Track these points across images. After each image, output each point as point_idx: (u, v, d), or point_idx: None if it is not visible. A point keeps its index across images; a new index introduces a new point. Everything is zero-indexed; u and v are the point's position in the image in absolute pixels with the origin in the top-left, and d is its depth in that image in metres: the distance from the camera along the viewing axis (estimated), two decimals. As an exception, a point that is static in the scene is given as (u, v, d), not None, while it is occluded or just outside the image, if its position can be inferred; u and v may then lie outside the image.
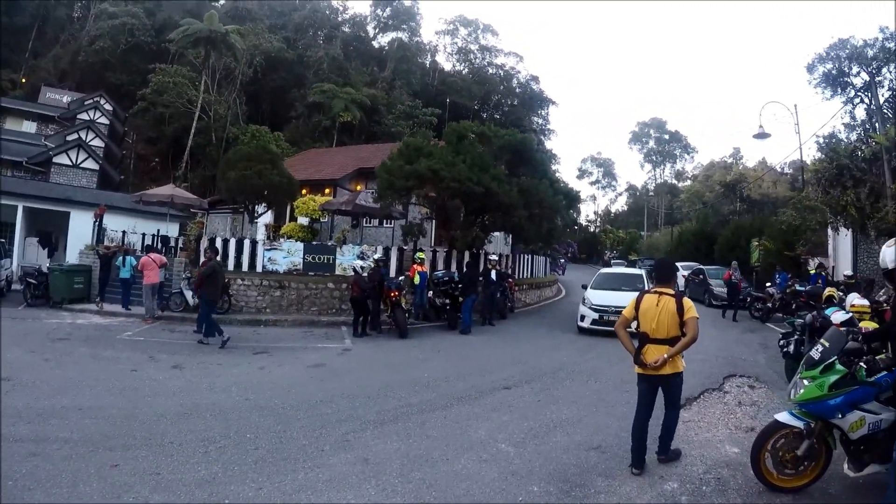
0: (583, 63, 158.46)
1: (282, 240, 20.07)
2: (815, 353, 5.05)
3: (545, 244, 22.43)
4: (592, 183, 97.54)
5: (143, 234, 23.89)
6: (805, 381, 4.98)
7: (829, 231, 23.19)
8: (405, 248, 19.13)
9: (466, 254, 18.91)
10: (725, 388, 9.11)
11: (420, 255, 16.66)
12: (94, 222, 21.14)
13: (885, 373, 4.79)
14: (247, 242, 18.32)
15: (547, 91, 77.23)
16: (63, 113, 42.91)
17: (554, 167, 61.31)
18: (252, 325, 15.04)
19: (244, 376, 9.32)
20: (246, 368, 9.96)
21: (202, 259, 16.60)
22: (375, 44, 70.36)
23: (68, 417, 6.64)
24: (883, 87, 26.93)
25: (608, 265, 48.56)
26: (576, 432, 6.73)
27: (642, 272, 16.75)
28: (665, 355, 5.26)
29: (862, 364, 4.82)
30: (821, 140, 26.36)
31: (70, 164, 36.87)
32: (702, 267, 25.48)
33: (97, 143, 40.54)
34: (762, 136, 23.94)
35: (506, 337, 14.56)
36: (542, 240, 20.65)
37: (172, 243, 24.01)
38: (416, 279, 15.93)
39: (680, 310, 5.33)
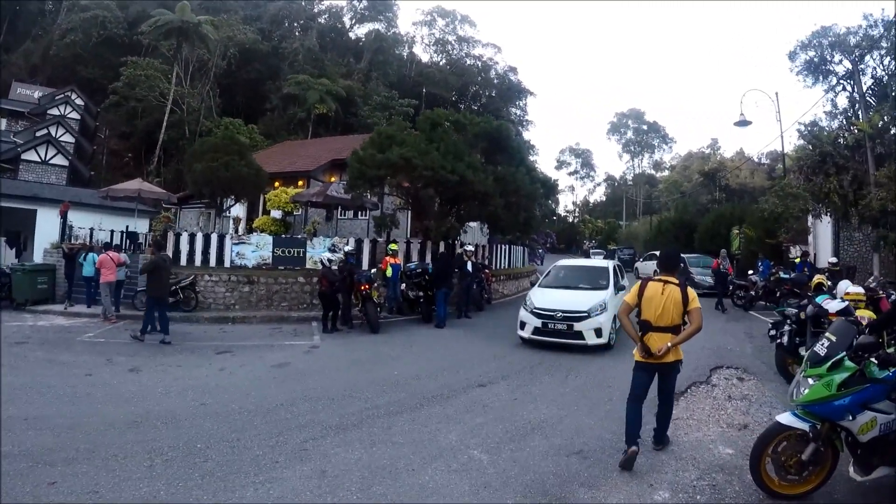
0: (561, 54, 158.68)
1: (253, 234, 19.41)
2: (821, 348, 4.54)
3: (523, 234, 21.92)
4: (571, 173, 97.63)
5: (112, 231, 23.23)
6: (810, 380, 4.48)
7: (810, 218, 22.96)
8: (379, 239, 18.54)
9: (442, 245, 18.33)
10: (713, 381, 8.66)
11: (393, 246, 16.06)
12: (60, 220, 20.45)
13: None
14: (214, 237, 17.68)
15: (525, 82, 77.18)
16: (33, 108, 41.92)
17: (532, 158, 61.16)
18: (219, 323, 14.50)
19: (203, 379, 8.76)
20: (206, 370, 9.38)
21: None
22: (352, 35, 69.32)
23: (11, 429, 6.13)
24: (866, 74, 26.76)
25: (587, 255, 48.41)
26: (555, 435, 6.21)
27: (609, 265, 13.29)
28: (669, 343, 5.25)
29: (872, 359, 4.31)
30: (802, 128, 26.01)
31: (39, 160, 36.12)
32: (682, 255, 25.05)
33: (68, 138, 39.81)
34: (743, 123, 23.65)
35: (482, 330, 13.92)
36: (520, 229, 20.13)
37: (141, 239, 23.40)
38: (389, 271, 15.32)
39: (685, 299, 5.36)
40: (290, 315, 15.44)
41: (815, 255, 22.52)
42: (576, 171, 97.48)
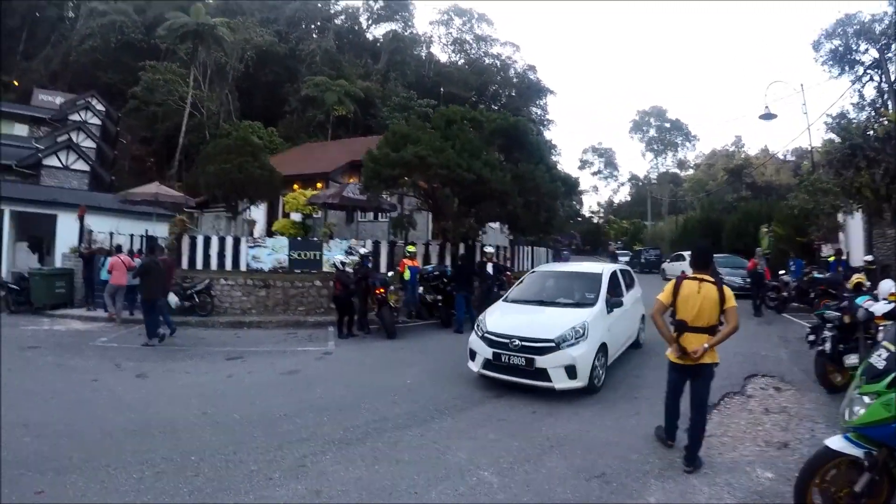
0: (581, 52, 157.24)
1: (269, 237, 19.19)
2: (878, 360, 3.93)
3: (543, 233, 21.39)
4: (594, 173, 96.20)
5: (131, 235, 23.32)
6: (866, 398, 3.87)
7: (840, 215, 22.05)
8: (397, 241, 18.15)
9: (461, 246, 17.89)
10: (748, 391, 8.04)
11: (410, 248, 15.64)
12: (78, 224, 20.52)
13: None
14: (229, 240, 17.55)
15: (545, 81, 75.72)
16: (54, 115, 42.30)
17: (554, 158, 60.43)
18: (234, 328, 14.21)
19: (209, 386, 8.46)
20: (214, 377, 9.07)
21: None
22: (369, 35, 69.32)
23: (10, 434, 6.00)
24: (893, 63, 25.76)
25: (613, 256, 47.59)
26: (575, 454, 5.68)
27: (604, 271, 9.81)
28: (706, 345, 5.12)
29: None
30: (829, 121, 25.07)
31: (60, 165, 36.57)
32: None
33: (89, 144, 40.17)
34: (768, 116, 22.87)
35: None
36: (540, 229, 19.57)
37: (161, 243, 23.36)
38: (407, 274, 14.89)
39: (721, 297, 5.18)
40: (307, 320, 15.07)
41: (847, 253, 21.65)
42: (599, 171, 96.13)
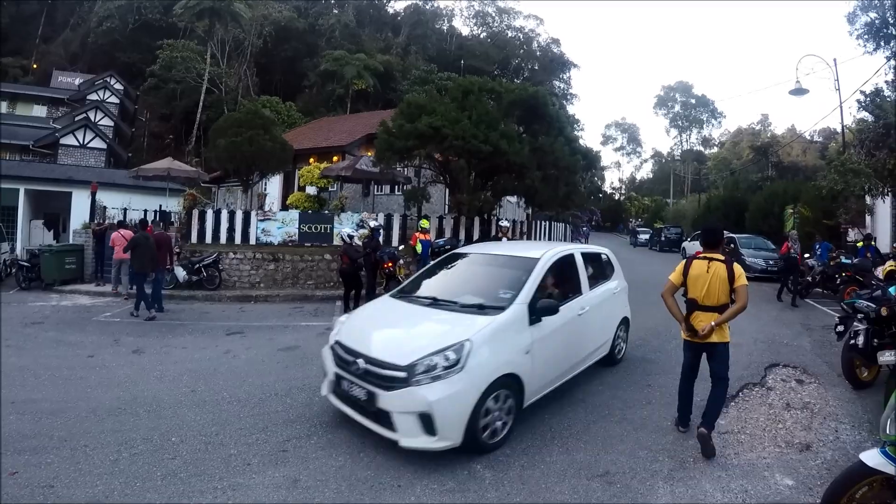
0: (605, 25, 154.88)
1: (288, 210, 19.01)
2: None
3: (562, 208, 20.76)
4: (617, 149, 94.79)
5: (144, 211, 23.56)
6: None
7: (868, 199, 21.08)
8: (410, 215, 17.75)
9: (476, 221, 17.41)
10: (768, 383, 7.43)
11: (424, 222, 15.19)
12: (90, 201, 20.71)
13: None
14: (239, 213, 17.38)
15: (569, 54, 74.75)
16: (72, 95, 43.20)
17: (577, 133, 59.29)
18: (241, 302, 14.02)
19: (204, 362, 8.16)
20: (210, 353, 8.76)
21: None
22: (390, 9, 68.65)
23: None
24: (932, 37, 24.56)
25: (634, 234, 46.85)
26: (577, 449, 5.21)
27: (542, 258, 6.42)
28: (713, 323, 5.08)
29: None
30: (862, 99, 23.78)
31: (77, 144, 37.25)
32: (732, 235, 23.19)
33: (107, 122, 40.87)
34: (799, 91, 21.85)
35: None
36: (559, 203, 18.93)
37: (174, 219, 23.45)
38: (419, 248, 14.47)
39: (731, 276, 5.12)
40: (315, 294, 14.82)
41: (875, 238, 20.79)
42: (622, 147, 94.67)
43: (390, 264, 12.50)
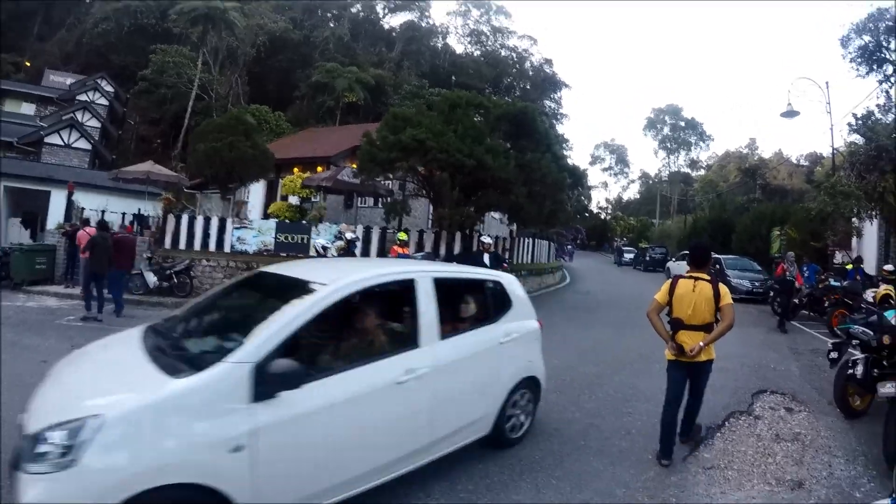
0: (598, 47, 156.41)
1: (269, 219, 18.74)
2: None
3: (547, 226, 20.49)
4: (605, 169, 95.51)
5: (123, 214, 23.26)
6: None
7: (856, 221, 20.93)
8: (389, 228, 17.40)
9: (458, 236, 17.06)
10: (756, 411, 7.05)
11: (402, 235, 14.78)
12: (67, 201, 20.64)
13: None
14: (214, 220, 17.15)
15: (560, 74, 74.72)
16: (62, 94, 43.14)
17: (566, 152, 59.47)
18: (209, 311, 13.46)
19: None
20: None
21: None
22: (385, 24, 68.70)
23: None
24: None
25: (620, 253, 46.82)
26: (548, 485, 4.75)
27: (328, 284, 4.10)
28: (702, 343, 5.03)
29: None
30: (853, 123, 23.79)
31: (62, 143, 37.10)
32: (718, 256, 22.97)
33: (94, 123, 40.87)
34: (791, 114, 21.86)
35: None
36: (544, 221, 18.66)
37: (150, 223, 23.12)
38: (397, 262, 14.07)
39: (716, 295, 5.09)
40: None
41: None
42: (610, 168, 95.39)
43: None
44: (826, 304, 14.44)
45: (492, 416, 5.18)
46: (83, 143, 37.84)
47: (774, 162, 52.52)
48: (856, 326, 6.79)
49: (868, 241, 21.98)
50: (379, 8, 68.58)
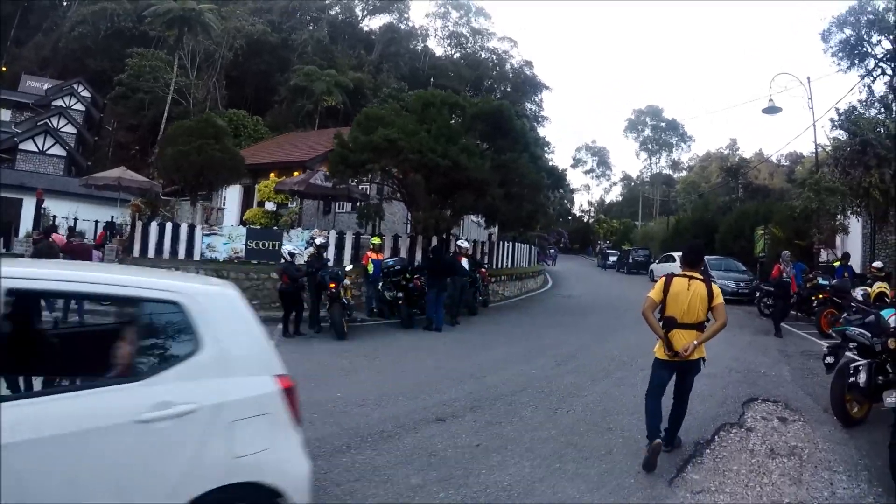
0: (577, 49, 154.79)
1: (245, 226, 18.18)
2: None
3: (526, 228, 20.00)
4: (587, 172, 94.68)
5: (96, 222, 22.66)
6: None
7: (841, 217, 20.57)
8: (363, 233, 16.84)
9: (435, 240, 16.53)
10: (748, 422, 6.49)
11: (375, 240, 14.26)
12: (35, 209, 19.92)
13: None
14: (184, 227, 16.59)
15: (541, 76, 74.33)
16: (38, 100, 42.42)
17: (548, 154, 59.17)
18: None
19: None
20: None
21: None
22: (364, 27, 67.99)
23: None
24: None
25: (604, 256, 46.52)
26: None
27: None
28: (695, 342, 5.07)
29: None
30: (836, 119, 23.44)
31: (36, 150, 36.53)
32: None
33: (70, 129, 40.33)
34: (773, 110, 21.48)
35: (467, 340, 11.79)
36: (523, 223, 18.19)
37: (121, 230, 22.56)
38: (370, 268, 13.52)
39: (710, 294, 5.16)
40: (258, 315, 13.71)
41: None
42: (591, 170, 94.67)
43: (333, 285, 11.40)
44: (814, 304, 14.03)
45: None
46: (58, 150, 37.28)
47: (755, 162, 52.64)
48: (852, 328, 6.36)
49: (853, 238, 21.68)
50: (358, 10, 67.91)
